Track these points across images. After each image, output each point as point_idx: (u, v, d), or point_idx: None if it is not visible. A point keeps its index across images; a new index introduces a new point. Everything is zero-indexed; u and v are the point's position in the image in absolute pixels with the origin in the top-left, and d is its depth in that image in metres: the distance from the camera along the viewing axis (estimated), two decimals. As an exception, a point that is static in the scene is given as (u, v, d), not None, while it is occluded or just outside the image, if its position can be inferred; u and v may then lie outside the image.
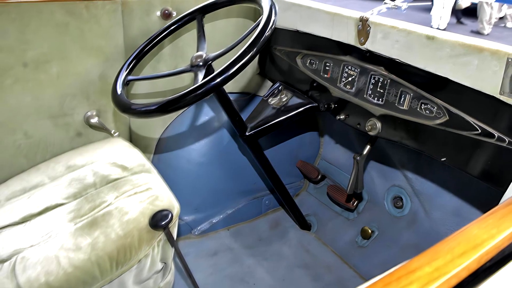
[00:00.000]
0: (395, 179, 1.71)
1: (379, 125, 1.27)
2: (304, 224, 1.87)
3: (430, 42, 1.07)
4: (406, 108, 1.19)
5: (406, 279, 0.45)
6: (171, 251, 1.14)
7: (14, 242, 1.05)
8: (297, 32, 1.52)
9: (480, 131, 1.01)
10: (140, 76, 1.33)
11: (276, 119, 1.49)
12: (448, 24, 7.63)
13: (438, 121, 1.10)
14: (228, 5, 1.36)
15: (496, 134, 0.98)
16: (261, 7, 1.17)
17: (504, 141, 0.97)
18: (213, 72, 1.09)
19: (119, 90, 1.21)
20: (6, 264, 0.99)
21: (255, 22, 1.48)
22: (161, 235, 1.09)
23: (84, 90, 1.44)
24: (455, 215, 1.49)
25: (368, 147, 1.44)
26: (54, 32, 1.32)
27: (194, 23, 1.42)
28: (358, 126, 1.35)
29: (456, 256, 0.48)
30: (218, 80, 1.01)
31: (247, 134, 1.46)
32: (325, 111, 1.45)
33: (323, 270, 1.66)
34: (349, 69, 1.36)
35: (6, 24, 1.24)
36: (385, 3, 1.32)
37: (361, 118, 1.33)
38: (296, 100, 1.54)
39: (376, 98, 1.27)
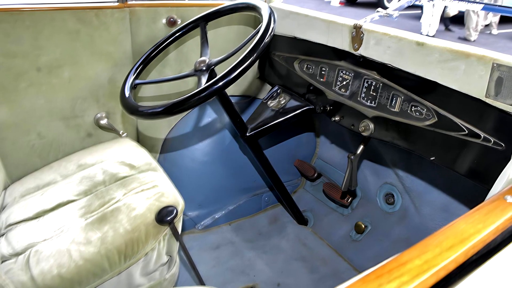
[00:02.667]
0: (387, 177, 1.71)
1: (372, 126, 1.27)
2: (301, 220, 1.87)
3: (420, 48, 1.07)
4: (397, 110, 1.19)
5: (397, 271, 0.45)
6: (176, 245, 1.14)
7: (28, 236, 1.05)
8: (294, 39, 1.52)
9: (467, 131, 1.01)
10: (146, 80, 1.33)
11: (275, 120, 1.49)
12: (437, 31, 7.63)
13: (427, 122, 1.10)
14: (230, 13, 1.36)
15: (482, 135, 0.98)
16: (261, 15, 1.17)
17: (489, 141, 0.97)
18: (215, 76, 1.09)
19: (127, 93, 1.21)
20: (21, 257, 0.99)
21: (255, 29, 1.48)
22: (167, 230, 1.09)
23: (94, 93, 1.44)
24: (443, 211, 1.49)
25: (361, 147, 1.44)
26: (66, 38, 1.32)
27: (198, 30, 1.41)
28: (352, 127, 1.35)
29: (444, 250, 0.48)
30: (220, 83, 1.01)
31: (247, 134, 1.46)
32: (321, 113, 1.45)
33: (319, 263, 1.66)
34: (343, 74, 1.36)
35: (21, 31, 1.24)
36: (378, 11, 1.32)
37: (355, 119, 1.33)
38: (293, 103, 1.54)
39: (369, 101, 1.27)
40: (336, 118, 1.40)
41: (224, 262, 1.64)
